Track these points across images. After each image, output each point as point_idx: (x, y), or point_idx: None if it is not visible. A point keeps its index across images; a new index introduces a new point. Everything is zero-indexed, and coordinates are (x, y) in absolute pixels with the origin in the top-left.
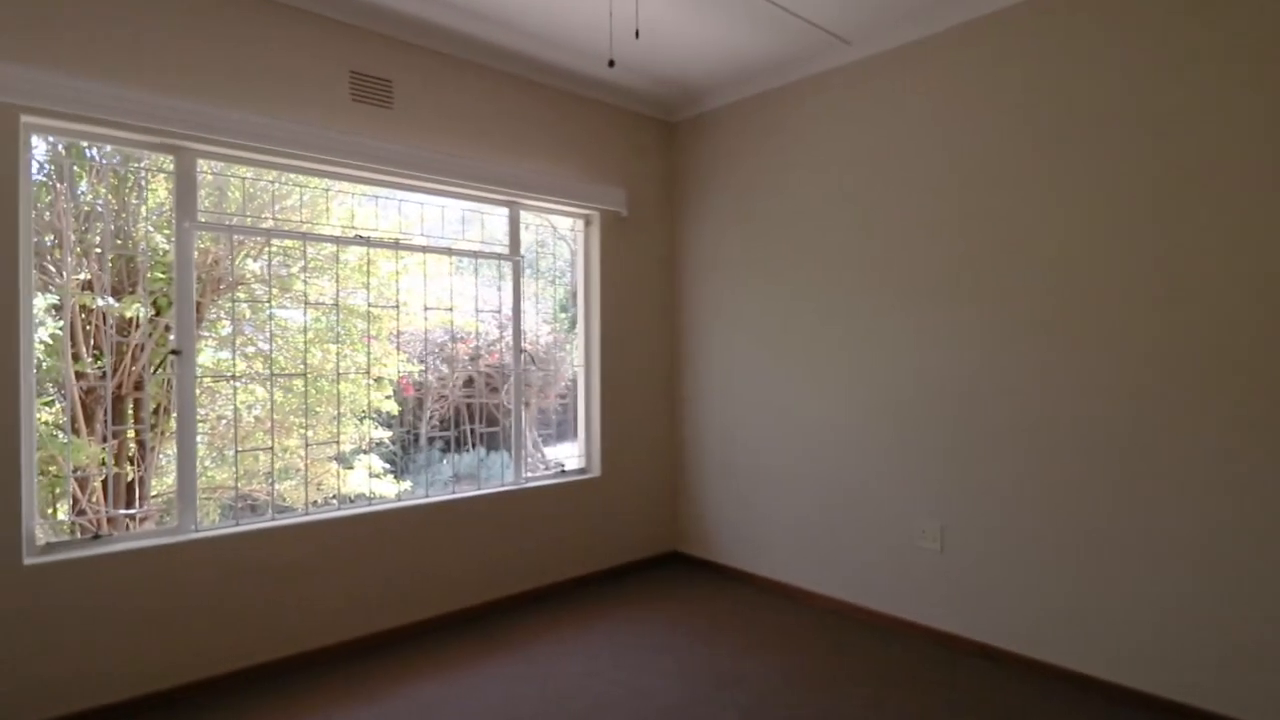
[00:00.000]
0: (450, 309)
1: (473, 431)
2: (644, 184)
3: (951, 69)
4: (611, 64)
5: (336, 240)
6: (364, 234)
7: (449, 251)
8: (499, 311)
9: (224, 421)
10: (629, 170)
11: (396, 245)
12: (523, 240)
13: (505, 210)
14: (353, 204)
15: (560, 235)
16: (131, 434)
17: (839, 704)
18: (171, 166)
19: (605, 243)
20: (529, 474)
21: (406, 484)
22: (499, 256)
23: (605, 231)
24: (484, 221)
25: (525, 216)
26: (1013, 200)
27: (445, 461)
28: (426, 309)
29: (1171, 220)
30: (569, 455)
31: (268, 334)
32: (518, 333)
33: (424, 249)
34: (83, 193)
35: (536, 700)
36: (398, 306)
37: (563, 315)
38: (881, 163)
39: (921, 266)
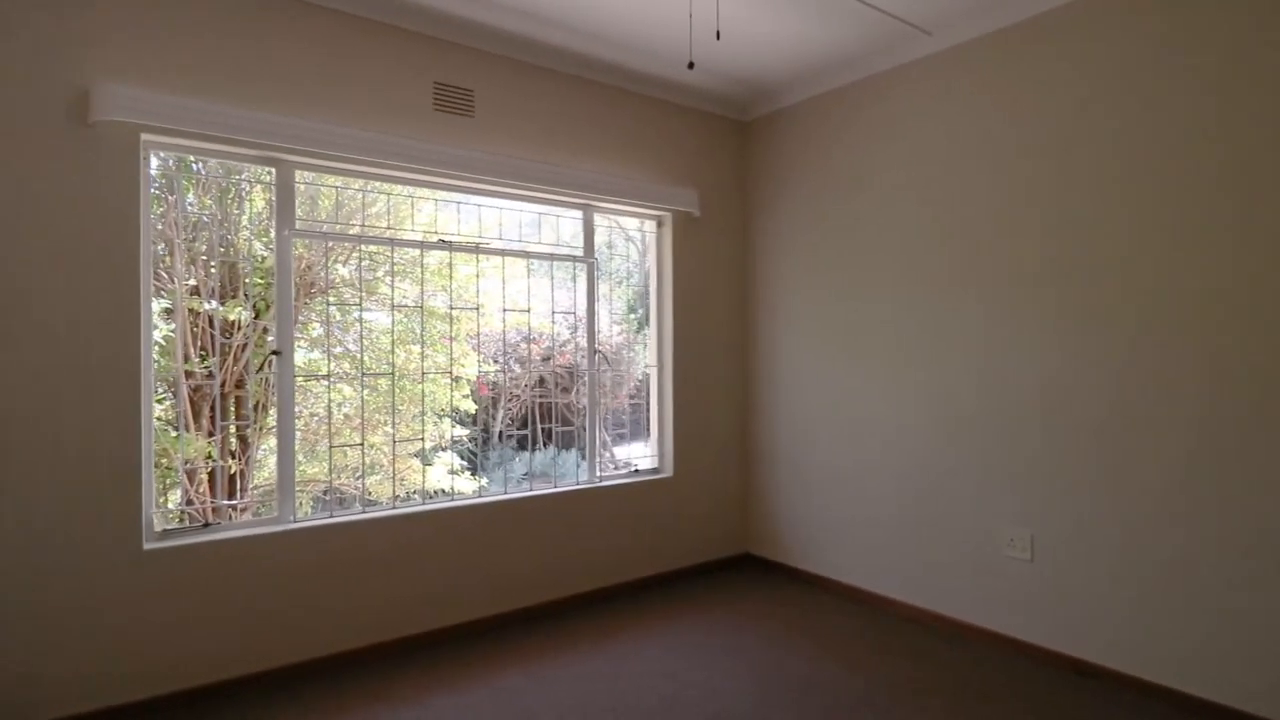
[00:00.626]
0: (527, 310)
1: (544, 430)
2: (716, 184)
3: (1037, 61)
4: (691, 66)
5: (421, 245)
6: (446, 238)
7: (526, 254)
8: (572, 313)
9: (316, 418)
10: (701, 171)
11: (477, 249)
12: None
13: (579, 213)
14: (433, 209)
15: (629, 236)
16: (233, 429)
17: (918, 715)
18: (269, 178)
19: (677, 243)
20: (602, 473)
21: (484, 481)
22: (573, 258)
23: (677, 232)
24: (557, 224)
25: (596, 218)
26: (1098, 200)
27: (518, 459)
28: (505, 310)
29: (1272, 220)
30: (638, 455)
31: (354, 335)
32: (592, 333)
33: (502, 252)
34: (190, 204)
35: (612, 695)
36: (477, 309)
37: (631, 316)
38: (961, 159)
39: (1002, 266)
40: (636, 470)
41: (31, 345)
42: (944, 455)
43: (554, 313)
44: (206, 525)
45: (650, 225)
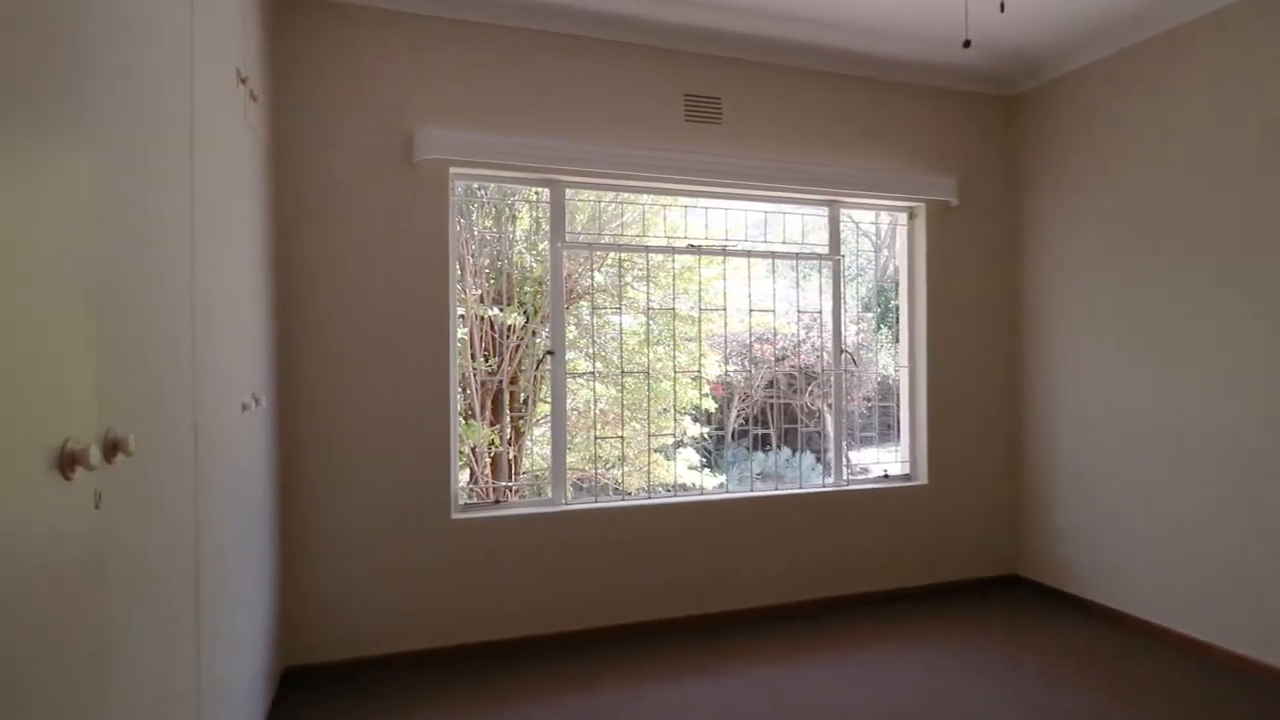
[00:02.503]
0: (771, 311)
1: (779, 432)
2: (976, 169)
3: None
4: (967, 44)
5: (673, 250)
6: (695, 243)
7: (772, 255)
8: (808, 312)
9: (575, 412)
10: (959, 155)
11: (724, 252)
12: (821, 238)
13: (824, 210)
14: (674, 215)
15: (863, 231)
16: (509, 420)
17: None
18: (536, 197)
19: (932, 235)
20: (848, 477)
21: (722, 478)
22: (818, 256)
23: (931, 222)
24: (784, 221)
25: (825, 212)
26: None
27: (750, 459)
28: (751, 311)
29: None
30: (879, 460)
31: (608, 337)
32: (838, 333)
33: (748, 253)
34: (475, 223)
35: (872, 702)
36: (724, 309)
37: (868, 314)
38: None
39: None
40: (886, 475)
41: (382, 345)
42: None
43: (799, 313)
44: (497, 502)
45: (899, 218)
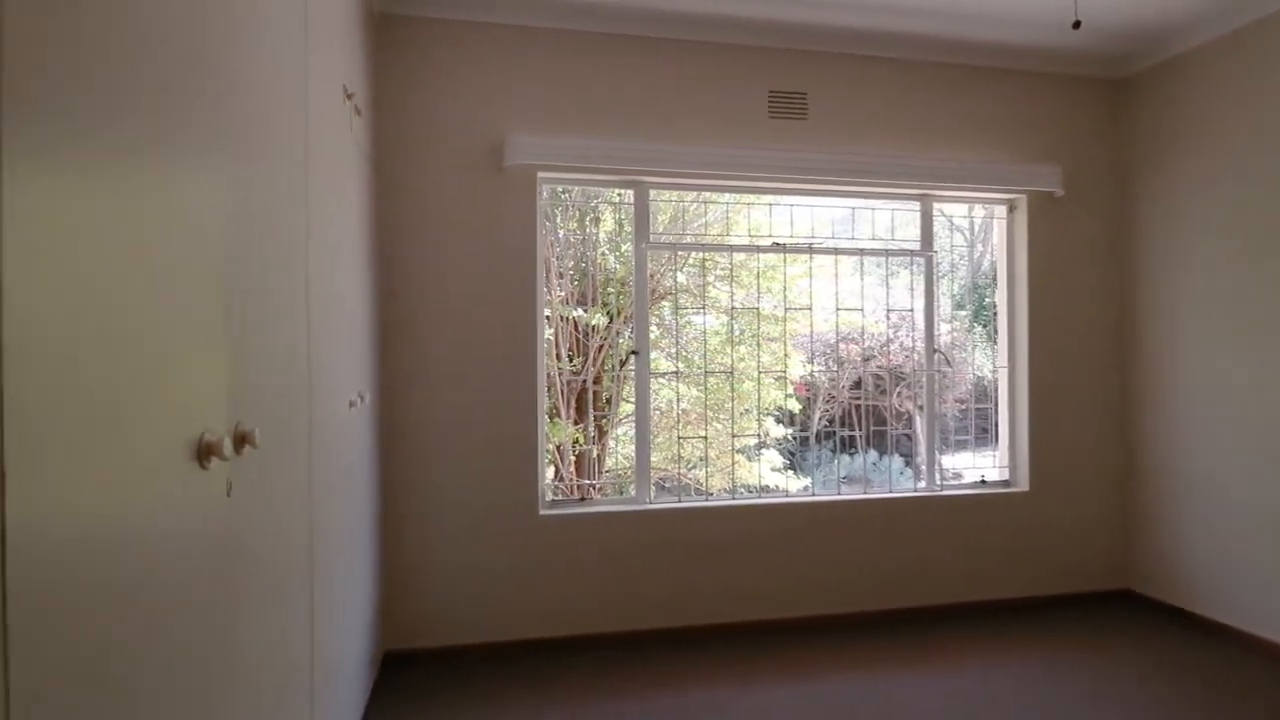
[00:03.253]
0: (859, 309)
1: (867, 434)
2: (1083, 157)
3: None
4: (1077, 25)
5: (757, 249)
6: (780, 241)
7: (860, 252)
8: (897, 310)
9: (657, 412)
10: (1063, 143)
11: (810, 249)
12: (910, 233)
13: (916, 204)
14: (757, 214)
15: (955, 226)
16: (592, 419)
17: None
18: (619, 198)
19: (1034, 228)
20: (942, 481)
21: (806, 480)
22: (910, 253)
23: (1034, 214)
24: (874, 217)
25: (917, 206)
26: None
27: (836, 462)
28: (838, 309)
29: None
30: (972, 465)
31: (687, 337)
32: (930, 332)
33: (835, 251)
34: (559, 226)
35: (968, 716)
36: (810, 308)
37: (961, 312)
38: None
39: None
40: (983, 481)
41: (473, 346)
42: None
43: (888, 311)
44: (582, 500)
45: (996, 210)
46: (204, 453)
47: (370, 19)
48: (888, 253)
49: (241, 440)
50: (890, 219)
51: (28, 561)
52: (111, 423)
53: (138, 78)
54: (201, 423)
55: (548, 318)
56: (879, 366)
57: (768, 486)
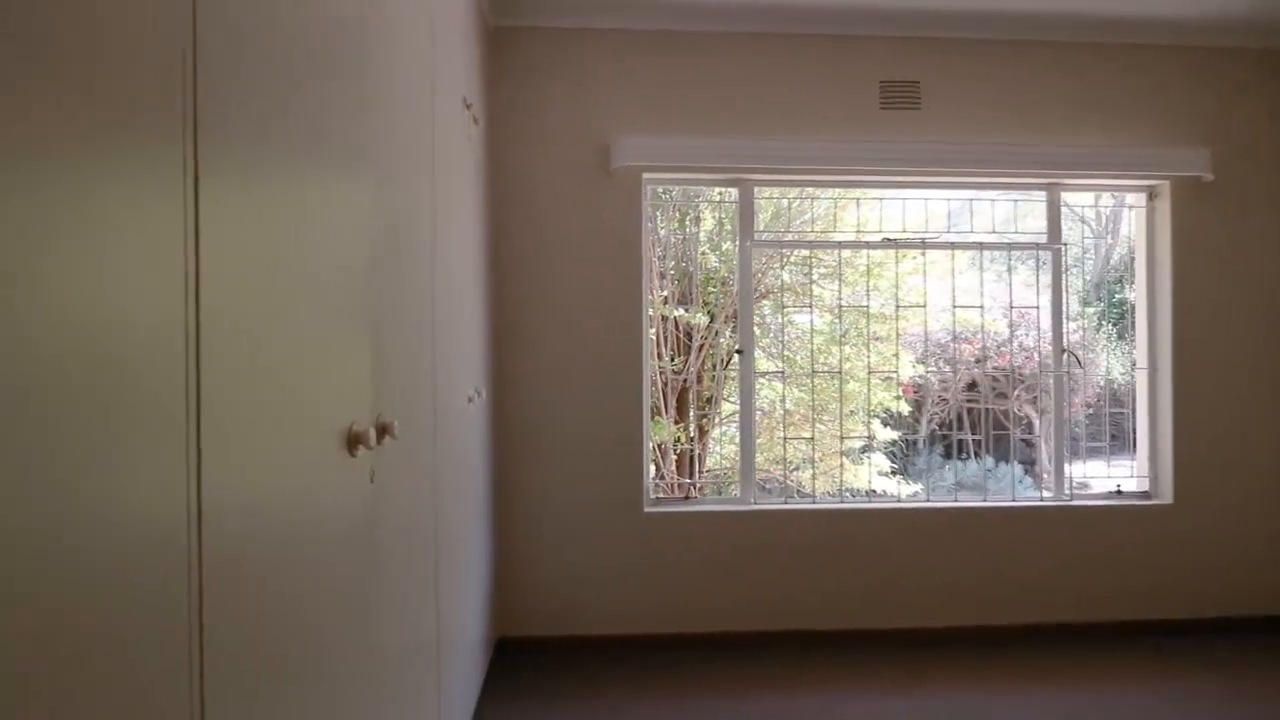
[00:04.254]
0: (979, 306)
1: (986, 438)
2: (1236, 137)
3: None
4: None
5: (867, 245)
6: (891, 236)
7: (979, 246)
8: (1019, 307)
9: (759, 412)
10: (1212, 123)
11: (924, 244)
12: (1030, 225)
13: (1042, 194)
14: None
15: (1079, 216)
16: (691, 418)
17: None
18: (718, 196)
19: (1179, 216)
20: (1071, 491)
21: (915, 486)
22: (1036, 246)
23: (1179, 202)
24: (994, 209)
25: (1047, 196)
26: None
27: (947, 467)
28: (955, 306)
29: None
30: (1107, 474)
31: (792, 336)
32: (1059, 330)
33: (951, 245)
34: (659, 226)
35: None
36: (924, 306)
37: (1088, 310)
38: None
39: None
40: (1119, 491)
41: (581, 345)
42: None
43: (1010, 308)
44: (687, 498)
45: (1129, 199)
46: (353, 442)
47: (485, 31)
48: (1011, 246)
49: (383, 431)
50: (1014, 210)
51: (217, 531)
52: (281, 413)
53: (300, 102)
54: (350, 414)
55: (649, 317)
56: (995, 367)
57: (873, 491)
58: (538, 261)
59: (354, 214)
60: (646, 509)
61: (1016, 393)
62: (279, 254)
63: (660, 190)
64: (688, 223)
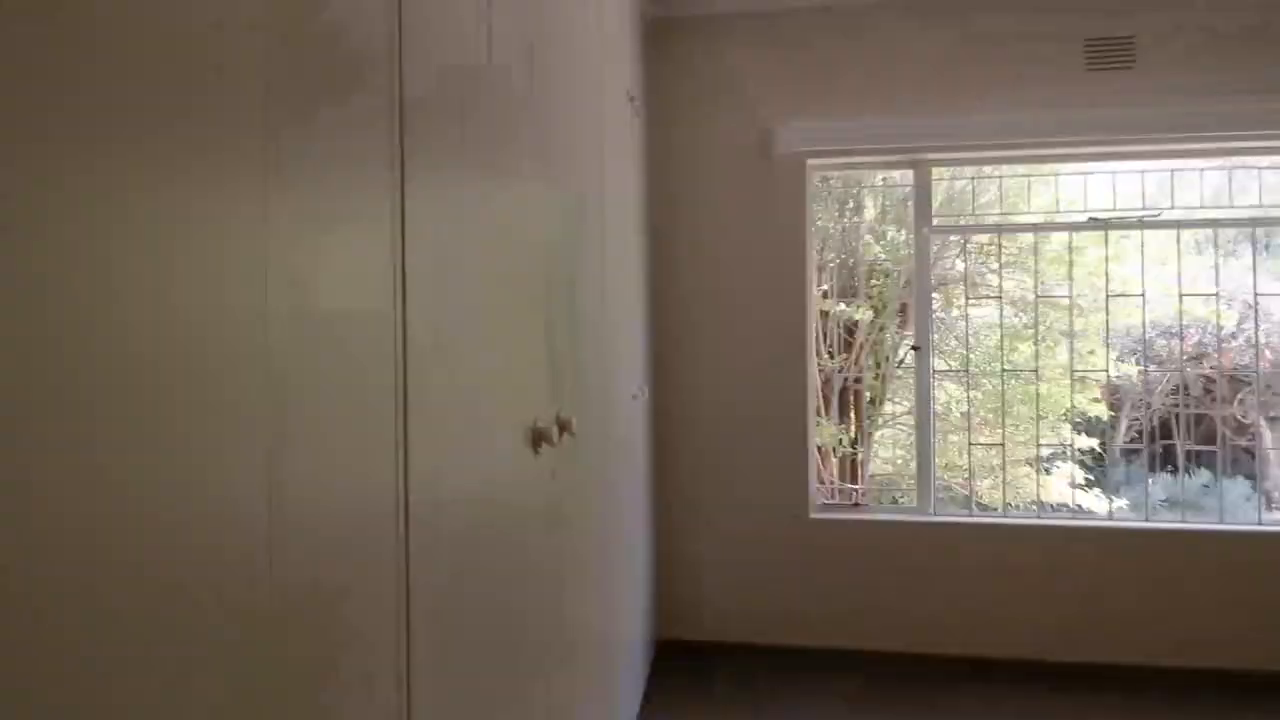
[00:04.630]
0: (1214, 294)
1: (1224, 450)
2: None
3: None
4: None
5: (1070, 227)
6: (1098, 216)
7: (1214, 223)
8: (1267, 295)
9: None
10: None
11: (1141, 224)
12: (1246, 200)
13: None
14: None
15: None
16: (853, 420)
17: None
18: (881, 182)
19: None
20: None
21: (1119, 501)
22: None
23: None
24: (1231, 178)
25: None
26: None
27: (1151, 481)
28: (1183, 295)
29: None
30: None
31: (968, 331)
32: None
33: (1178, 224)
34: (819, 217)
35: None
36: (1143, 295)
37: None
38: None
39: None
40: None
41: (743, 342)
42: None
43: (1256, 296)
44: (855, 505)
45: None
46: (536, 439)
47: (644, 23)
48: (1255, 222)
49: (563, 427)
50: (1259, 181)
51: (420, 518)
52: (474, 409)
53: (482, 123)
54: (533, 411)
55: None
56: (1211, 367)
57: (1064, 505)
58: (698, 256)
59: (532, 219)
60: (813, 515)
61: (1240, 396)
62: (469, 258)
63: (819, 179)
64: (848, 212)
